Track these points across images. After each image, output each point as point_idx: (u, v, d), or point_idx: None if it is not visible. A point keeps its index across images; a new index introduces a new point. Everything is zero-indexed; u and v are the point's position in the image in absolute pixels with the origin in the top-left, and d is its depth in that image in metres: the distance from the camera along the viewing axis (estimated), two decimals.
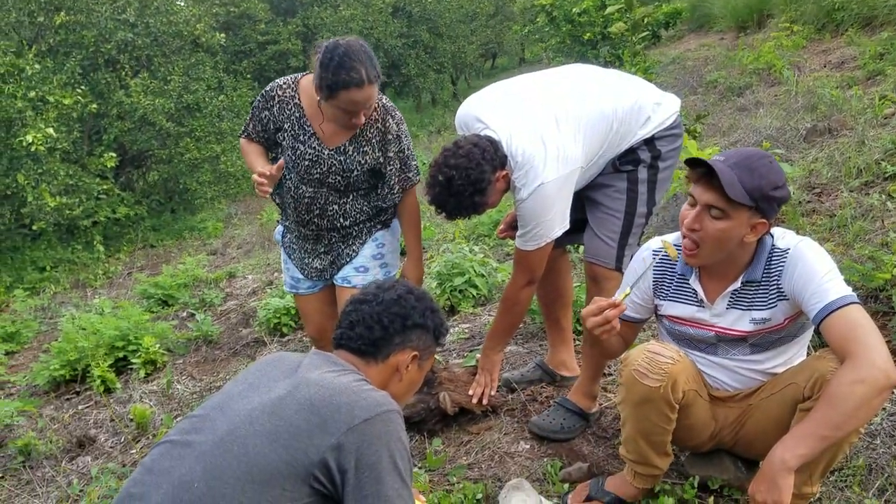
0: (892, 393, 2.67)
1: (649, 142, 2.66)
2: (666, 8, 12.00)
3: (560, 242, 2.81)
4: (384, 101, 2.70)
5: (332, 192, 2.73)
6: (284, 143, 2.72)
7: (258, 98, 2.74)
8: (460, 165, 2.45)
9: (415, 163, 2.82)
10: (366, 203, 2.83)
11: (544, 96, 2.65)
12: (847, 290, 1.89)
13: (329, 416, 1.58)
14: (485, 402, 2.95)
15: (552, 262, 2.95)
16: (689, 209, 2.01)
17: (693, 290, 2.16)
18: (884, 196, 4.12)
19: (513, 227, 2.95)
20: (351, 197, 2.77)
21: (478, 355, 3.15)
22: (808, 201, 4.53)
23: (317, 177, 2.70)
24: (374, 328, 1.82)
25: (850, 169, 4.65)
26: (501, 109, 2.65)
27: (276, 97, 2.69)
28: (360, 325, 1.83)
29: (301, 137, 2.67)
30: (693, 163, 1.97)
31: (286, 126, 2.69)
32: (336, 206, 2.75)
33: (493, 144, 2.52)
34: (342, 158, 2.68)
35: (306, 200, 2.74)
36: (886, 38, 7.57)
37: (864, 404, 1.76)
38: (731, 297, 2.10)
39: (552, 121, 2.55)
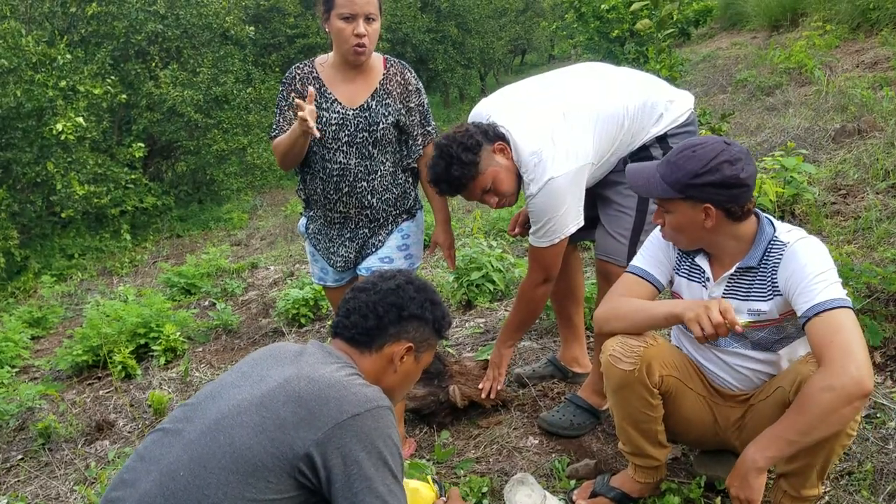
0: (877, 394, 2.63)
1: (662, 139, 2.63)
2: (696, 5, 11.86)
3: (572, 239, 2.79)
4: (399, 60, 2.80)
5: (361, 161, 2.72)
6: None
7: (280, 88, 2.81)
8: (448, 134, 2.57)
9: (433, 121, 2.85)
10: (392, 177, 2.81)
11: (552, 94, 2.65)
12: (839, 293, 1.86)
13: (317, 409, 1.57)
14: (492, 396, 2.95)
15: (564, 258, 2.94)
16: None
17: (700, 267, 2.16)
18: None
19: (524, 225, 2.95)
20: (379, 171, 2.75)
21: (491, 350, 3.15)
22: (833, 203, 4.46)
23: (345, 139, 2.70)
24: (369, 317, 1.80)
25: (877, 171, 4.58)
26: (510, 107, 2.67)
27: (297, 76, 2.77)
28: (355, 313, 1.81)
29: (324, 105, 2.70)
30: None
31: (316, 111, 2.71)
32: (364, 183, 2.73)
33: (492, 126, 2.59)
34: (367, 115, 2.69)
35: (335, 176, 2.73)
36: None
37: (832, 412, 1.75)
38: (727, 283, 2.10)
39: (560, 117, 2.54)
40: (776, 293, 2.01)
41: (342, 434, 1.55)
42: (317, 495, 1.57)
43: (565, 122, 2.53)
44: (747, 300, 2.06)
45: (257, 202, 12.57)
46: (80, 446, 3.69)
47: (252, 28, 12.78)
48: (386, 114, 2.70)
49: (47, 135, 8.74)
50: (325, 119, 2.70)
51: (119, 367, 4.50)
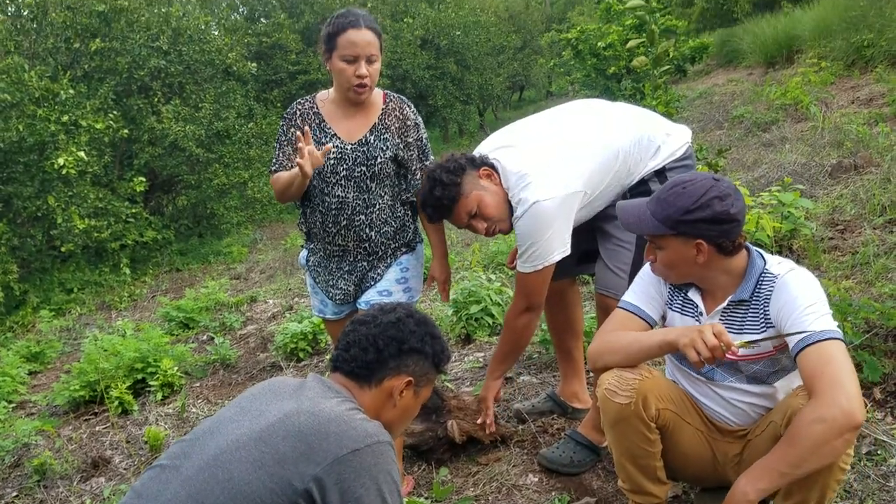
0: (877, 430, 2.62)
1: (660, 173, 2.65)
2: (692, 42, 12.02)
3: (571, 273, 2.80)
4: (399, 96, 2.82)
5: (359, 195, 2.73)
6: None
7: (281, 123, 2.85)
8: (438, 161, 2.66)
9: (432, 155, 2.84)
10: (391, 210, 2.81)
11: (548, 131, 2.69)
12: (830, 325, 1.86)
13: (317, 444, 1.55)
14: (488, 431, 2.93)
15: (562, 292, 2.94)
16: None
17: (693, 302, 2.16)
18: None
19: None
20: (377, 204, 2.76)
21: None
22: (831, 238, 4.47)
23: (343, 173, 2.71)
24: (369, 350, 1.78)
25: (874, 206, 4.60)
26: (501, 141, 2.74)
27: (297, 112, 2.80)
28: (355, 346, 1.80)
29: (324, 140, 2.73)
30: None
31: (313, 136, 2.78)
32: (363, 216, 2.74)
33: (482, 156, 2.66)
34: (365, 149, 2.71)
35: (333, 210, 2.74)
36: None
37: (823, 444, 1.74)
38: (721, 317, 2.10)
39: (549, 146, 2.59)
40: (769, 325, 2.01)
41: (342, 469, 1.53)
42: None
43: (553, 150, 2.57)
44: (741, 333, 2.06)
45: (257, 236, 12.60)
46: (75, 483, 3.66)
47: (254, 64, 12.94)
48: (384, 148, 2.72)
49: (49, 169, 8.80)
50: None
51: (116, 402, 4.47)
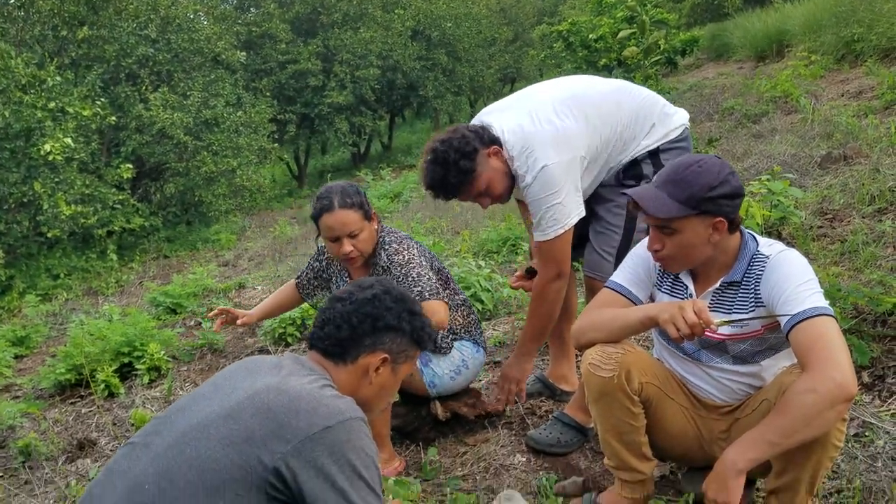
0: (866, 413, 2.63)
1: (654, 154, 2.64)
2: (683, 35, 12.03)
3: None
4: (387, 237, 2.81)
5: None
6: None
7: (315, 252, 3.07)
8: (444, 138, 2.59)
9: (424, 283, 2.72)
10: None
11: (544, 92, 2.70)
12: (822, 302, 1.86)
13: (286, 422, 1.52)
14: (502, 407, 2.91)
15: None
16: (650, 232, 2.08)
17: (684, 284, 2.16)
18: None
19: (527, 275, 2.95)
20: None
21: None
22: (820, 226, 4.49)
23: None
24: (343, 328, 1.75)
25: (863, 196, 4.61)
26: (502, 107, 2.74)
27: (325, 254, 3.01)
28: (329, 324, 1.76)
29: (341, 285, 2.91)
30: (627, 194, 2.06)
31: (333, 279, 3.01)
32: None
33: (483, 127, 2.63)
34: None
35: None
36: None
37: (816, 415, 1.74)
38: (712, 298, 2.10)
39: (550, 109, 2.57)
40: (759, 304, 2.01)
41: (313, 447, 1.50)
42: None
43: (555, 113, 2.57)
44: (730, 314, 2.06)
45: (246, 223, 12.55)
46: (60, 464, 3.63)
47: (243, 53, 12.89)
48: None
49: (35, 155, 8.73)
50: None
51: (102, 385, 4.44)
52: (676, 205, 1.95)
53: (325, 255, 3.00)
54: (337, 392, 1.66)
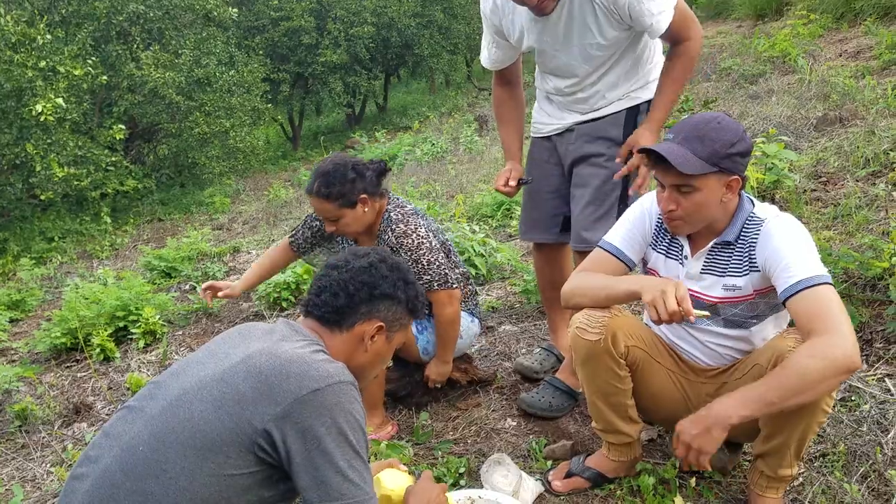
0: (853, 376, 2.66)
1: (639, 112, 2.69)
2: None
3: (558, 238, 2.91)
4: (392, 213, 2.78)
5: None
6: (326, 258, 3.04)
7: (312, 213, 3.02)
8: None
9: (434, 270, 2.72)
10: None
11: None
12: (822, 270, 1.86)
13: (277, 384, 1.55)
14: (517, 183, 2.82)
15: (555, 253, 3.02)
16: (661, 191, 2.04)
17: (680, 244, 2.16)
18: (889, 186, 4.08)
19: (517, 185, 2.84)
20: None
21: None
22: (814, 190, 4.48)
23: None
24: (340, 295, 1.77)
25: (857, 159, 4.60)
26: None
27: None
28: (326, 291, 1.78)
29: (345, 245, 2.98)
30: (645, 150, 1.99)
31: (338, 239, 3.01)
32: None
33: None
34: None
35: None
36: None
37: (819, 380, 1.75)
38: (706, 259, 2.10)
39: None
40: (753, 269, 2.01)
41: (302, 409, 1.53)
42: (278, 471, 1.56)
43: None
44: (724, 276, 2.07)
45: (240, 186, 12.48)
46: (56, 429, 3.66)
47: (235, 10, 12.68)
48: None
49: (27, 116, 8.63)
50: None
51: (98, 349, 4.47)
52: (699, 161, 1.91)
53: (315, 229, 3.04)
54: (328, 357, 1.68)
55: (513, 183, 2.77)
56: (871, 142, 4.79)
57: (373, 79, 18.02)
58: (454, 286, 2.74)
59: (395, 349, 1.93)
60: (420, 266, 2.69)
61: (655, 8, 2.41)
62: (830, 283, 1.85)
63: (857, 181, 4.38)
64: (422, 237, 2.72)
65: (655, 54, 2.71)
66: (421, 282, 2.72)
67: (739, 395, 1.82)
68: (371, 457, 2.40)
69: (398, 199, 2.87)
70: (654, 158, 1.97)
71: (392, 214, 2.77)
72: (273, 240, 7.25)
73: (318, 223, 3.01)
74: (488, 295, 4.24)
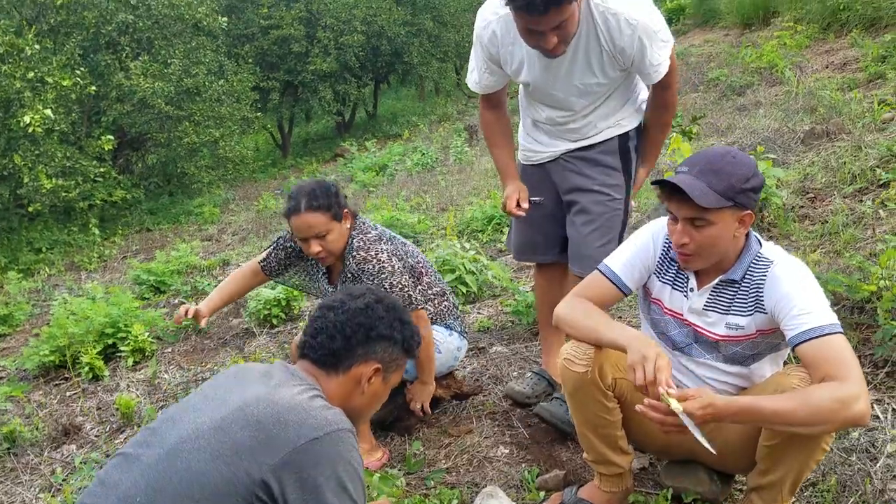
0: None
1: (640, 130, 2.78)
2: (670, 4, 11.93)
3: (559, 258, 2.94)
4: (355, 240, 2.80)
5: None
6: (311, 276, 3.04)
7: (284, 235, 3.01)
8: None
9: (397, 293, 2.73)
10: None
11: None
12: (834, 318, 1.87)
13: (275, 434, 1.53)
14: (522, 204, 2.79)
15: (557, 274, 3.03)
16: (673, 224, 2.02)
17: (686, 276, 2.15)
18: (876, 204, 4.11)
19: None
20: None
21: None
22: (801, 206, 4.51)
23: None
24: (336, 338, 1.76)
25: (844, 175, 4.63)
26: None
27: (296, 244, 2.95)
28: (322, 333, 1.77)
29: (318, 275, 2.97)
30: (661, 182, 1.98)
31: (311, 261, 2.97)
32: None
33: None
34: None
35: None
36: (889, 41, 7.54)
37: (828, 421, 1.77)
38: (710, 296, 2.09)
39: None
40: (759, 311, 2.01)
41: (300, 459, 1.51)
42: None
43: None
44: (727, 314, 2.07)
45: (229, 195, 12.45)
46: (45, 451, 3.64)
47: (225, 19, 12.66)
48: None
49: (14, 127, 8.61)
50: (317, 287, 2.99)
51: (86, 368, 4.45)
52: (715, 195, 1.91)
53: (289, 255, 3.03)
54: (326, 402, 1.66)
55: (525, 204, 2.76)
56: (857, 157, 4.83)
57: (362, 86, 18.02)
58: (419, 307, 2.78)
59: (390, 390, 1.92)
60: (389, 286, 2.73)
61: (656, 60, 2.50)
62: (842, 332, 1.85)
63: (845, 198, 4.40)
64: (383, 262, 2.75)
65: (640, 81, 2.75)
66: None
67: (742, 398, 1.83)
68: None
69: (364, 223, 2.90)
70: (669, 191, 1.96)
71: (355, 242, 2.81)
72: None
73: (291, 244, 2.99)
74: (479, 314, 4.24)
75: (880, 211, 4.03)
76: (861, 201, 4.28)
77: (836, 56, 8.42)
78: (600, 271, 2.24)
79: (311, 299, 5.20)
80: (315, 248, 2.71)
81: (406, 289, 2.75)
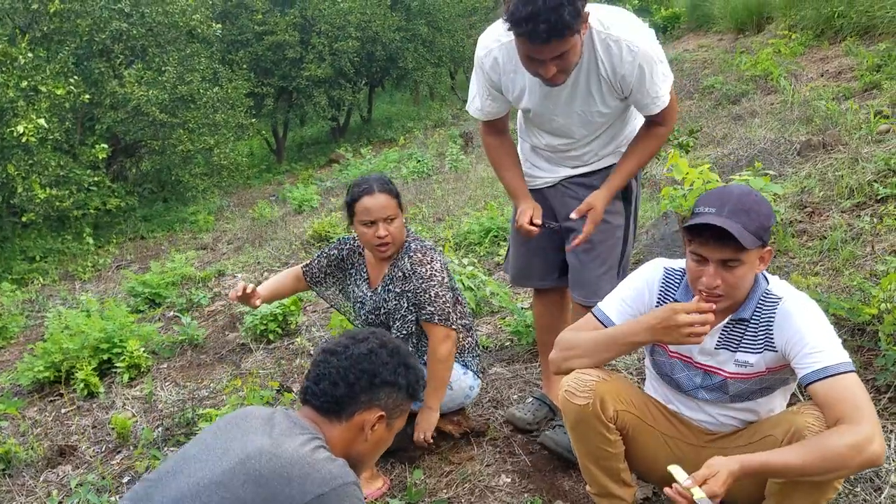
0: None
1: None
2: (664, 13, 11.94)
3: (559, 282, 2.93)
4: (413, 244, 2.86)
5: None
6: (347, 286, 3.09)
7: (335, 242, 3.11)
8: None
9: (439, 305, 2.75)
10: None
11: None
12: (846, 357, 1.86)
13: (279, 490, 1.51)
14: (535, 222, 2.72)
15: (555, 298, 3.03)
16: (699, 267, 1.98)
17: None
18: (875, 219, 4.10)
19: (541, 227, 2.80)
20: None
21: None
22: (800, 221, 4.50)
23: (363, 317, 2.96)
24: (339, 385, 1.72)
25: (842, 189, 4.63)
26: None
27: (348, 245, 3.06)
28: (325, 380, 1.74)
29: (358, 281, 3.01)
30: (697, 227, 1.93)
31: (352, 271, 3.06)
32: None
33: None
34: (376, 298, 2.90)
35: None
36: (884, 50, 7.55)
37: (843, 467, 1.76)
38: (720, 335, 2.08)
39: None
40: (769, 349, 2.00)
41: None
42: None
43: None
44: (737, 352, 2.06)
45: (224, 203, 12.40)
46: (41, 473, 3.61)
47: (219, 25, 12.63)
48: (387, 299, 2.87)
49: (8, 136, 8.56)
50: (355, 295, 3.02)
51: (82, 384, 4.41)
52: (750, 235, 1.88)
53: (348, 246, 3.05)
54: (330, 454, 1.64)
55: (538, 221, 2.70)
56: (854, 170, 4.82)
57: (357, 91, 17.99)
58: (453, 326, 2.77)
59: (393, 436, 1.88)
60: (427, 296, 2.75)
61: (654, 91, 2.47)
62: (854, 371, 1.85)
63: (843, 213, 4.40)
64: (436, 270, 2.80)
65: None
66: (423, 312, 2.76)
67: (755, 455, 1.82)
68: None
69: (415, 234, 2.95)
70: (705, 234, 1.91)
71: (412, 244, 2.86)
72: (258, 261, 7.20)
73: (335, 251, 3.03)
74: (478, 332, 4.21)
75: (879, 227, 4.03)
76: (859, 216, 4.28)
77: (831, 64, 8.43)
78: (594, 314, 2.23)
79: (309, 314, 5.17)
80: (383, 230, 2.73)
81: (448, 304, 2.77)
